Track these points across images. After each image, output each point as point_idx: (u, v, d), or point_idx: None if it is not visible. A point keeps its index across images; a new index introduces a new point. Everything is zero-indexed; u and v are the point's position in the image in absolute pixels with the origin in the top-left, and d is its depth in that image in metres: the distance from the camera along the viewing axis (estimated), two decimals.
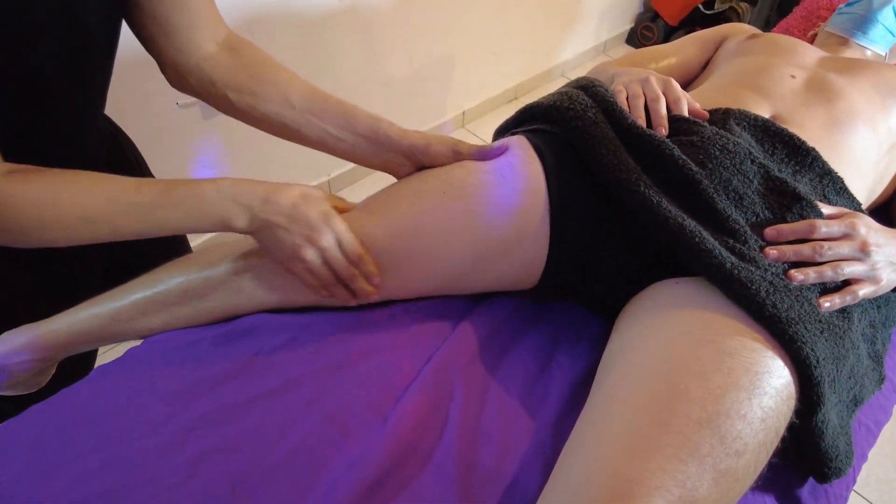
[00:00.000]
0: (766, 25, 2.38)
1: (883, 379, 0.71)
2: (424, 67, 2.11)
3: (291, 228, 0.62)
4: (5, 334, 0.74)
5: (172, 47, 0.70)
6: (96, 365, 0.82)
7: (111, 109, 0.80)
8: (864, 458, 0.72)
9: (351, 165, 2.09)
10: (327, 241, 0.64)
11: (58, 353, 0.76)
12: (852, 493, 1.43)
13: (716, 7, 2.86)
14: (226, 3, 0.75)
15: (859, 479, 1.45)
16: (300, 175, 2.01)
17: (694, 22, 2.93)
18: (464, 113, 2.44)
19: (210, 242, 1.81)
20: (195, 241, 1.74)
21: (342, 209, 0.71)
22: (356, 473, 0.59)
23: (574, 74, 2.91)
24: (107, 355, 0.76)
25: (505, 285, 0.76)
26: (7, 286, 0.80)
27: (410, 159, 0.77)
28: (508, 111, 2.61)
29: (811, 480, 0.67)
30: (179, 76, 0.74)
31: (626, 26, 3.14)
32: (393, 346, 0.71)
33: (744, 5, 2.86)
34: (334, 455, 0.61)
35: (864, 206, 0.82)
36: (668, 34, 2.98)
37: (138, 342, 0.76)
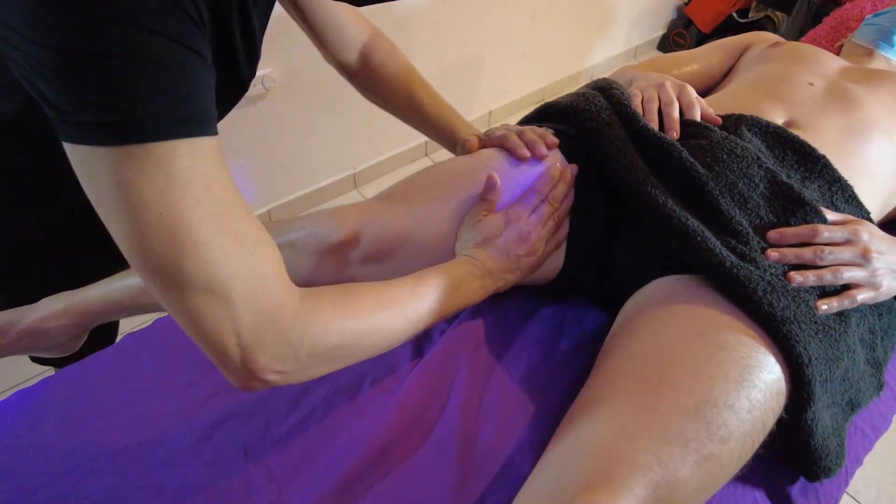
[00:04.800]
0: (801, 34, 2.34)
1: (882, 385, 0.72)
2: (454, 66, 2.14)
3: (524, 268, 0.71)
4: (44, 300, 0.79)
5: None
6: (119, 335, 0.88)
7: None
8: (858, 462, 0.73)
9: (375, 160, 2.14)
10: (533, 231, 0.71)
11: (91, 319, 0.81)
12: None
13: (750, 15, 2.83)
14: None
15: (871, 498, 1.44)
16: (326, 169, 2.06)
17: (727, 30, 2.90)
18: (490, 113, 2.46)
19: None
20: None
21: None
22: (362, 443, 0.63)
23: None
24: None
25: (525, 281, 0.78)
26: (47, 256, 0.86)
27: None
28: None
29: (802, 479, 0.68)
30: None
31: (659, 32, 3.12)
32: None
33: (780, 14, 2.83)
34: (342, 425, 0.65)
35: (877, 215, 0.83)
36: (701, 41, 2.96)
37: (166, 313, 0.81)
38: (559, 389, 0.70)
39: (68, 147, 0.41)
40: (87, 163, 0.41)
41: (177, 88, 0.41)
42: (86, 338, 0.89)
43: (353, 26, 0.88)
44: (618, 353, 0.62)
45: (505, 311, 0.78)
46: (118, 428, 0.66)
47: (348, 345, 0.54)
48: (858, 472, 1.54)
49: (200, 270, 0.44)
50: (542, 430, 0.66)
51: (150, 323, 0.80)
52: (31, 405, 0.69)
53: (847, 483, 0.72)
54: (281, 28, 1.57)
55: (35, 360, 1.00)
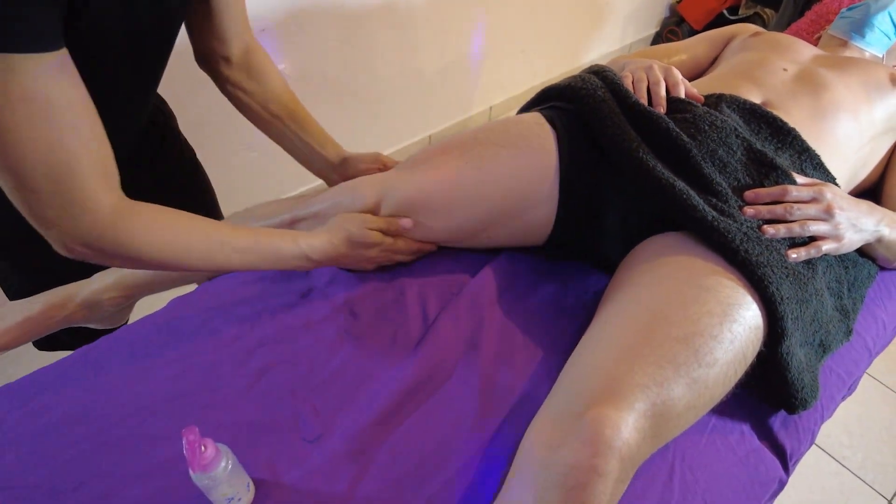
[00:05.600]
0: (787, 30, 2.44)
1: (850, 332, 0.81)
2: (455, 63, 2.23)
3: (355, 266, 0.85)
4: (98, 274, 0.87)
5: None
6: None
7: (164, 90, 0.92)
8: (833, 401, 0.82)
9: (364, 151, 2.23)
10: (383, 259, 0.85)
11: (139, 291, 0.89)
12: (851, 476, 1.51)
13: (740, 12, 2.93)
14: None
15: (857, 462, 1.53)
16: None
17: (718, 27, 3.00)
18: (491, 108, 2.56)
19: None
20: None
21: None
22: (395, 382, 0.72)
23: None
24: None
25: (517, 241, 0.88)
26: None
27: (338, 173, 0.99)
28: None
29: (783, 414, 0.77)
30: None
31: (652, 30, 3.22)
32: (425, 283, 0.84)
33: (768, 11, 2.93)
34: (377, 368, 0.74)
35: (844, 184, 0.92)
36: None
37: (209, 281, 0.90)
38: (566, 336, 0.79)
39: None
40: None
41: None
42: (131, 311, 0.97)
43: (244, 22, 0.88)
44: (617, 299, 0.71)
45: (519, 271, 0.87)
46: (175, 376, 0.74)
47: (151, 261, 0.65)
48: (845, 440, 1.63)
49: (10, 166, 0.52)
50: (552, 370, 0.74)
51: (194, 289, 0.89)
52: (95, 359, 0.77)
53: (822, 419, 0.80)
54: (293, 26, 1.66)
55: (39, 346, 1.06)
